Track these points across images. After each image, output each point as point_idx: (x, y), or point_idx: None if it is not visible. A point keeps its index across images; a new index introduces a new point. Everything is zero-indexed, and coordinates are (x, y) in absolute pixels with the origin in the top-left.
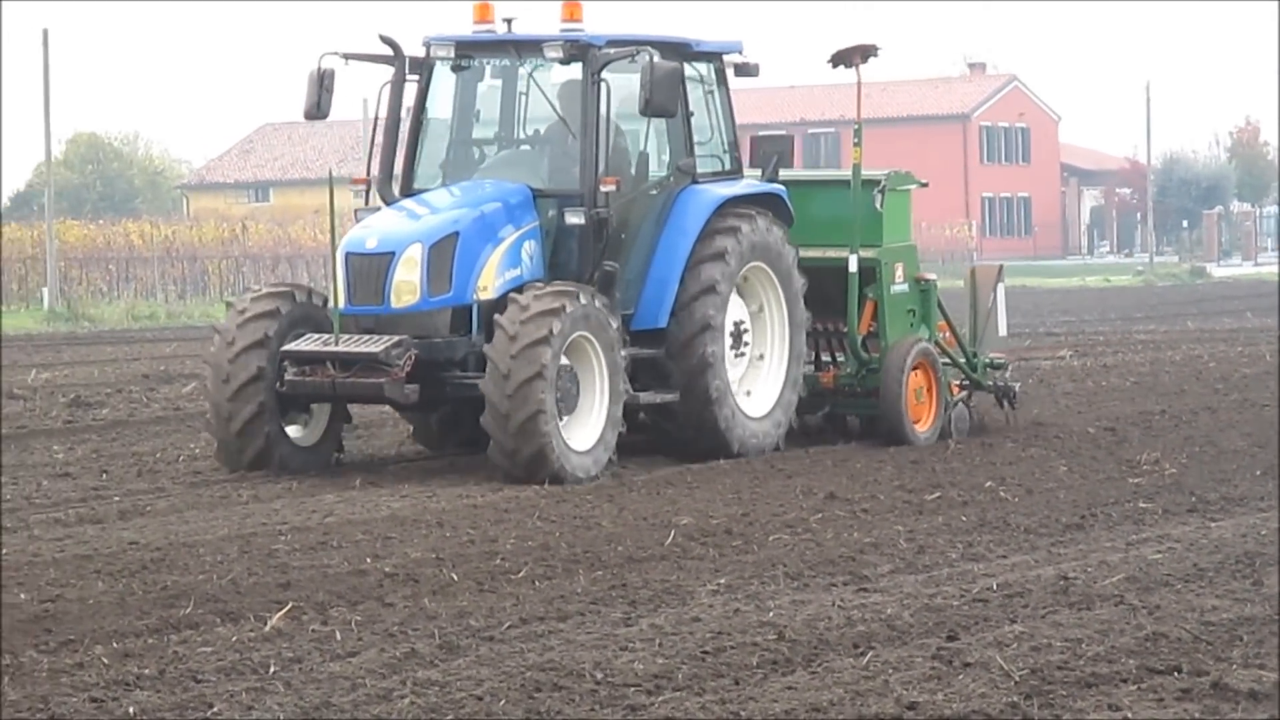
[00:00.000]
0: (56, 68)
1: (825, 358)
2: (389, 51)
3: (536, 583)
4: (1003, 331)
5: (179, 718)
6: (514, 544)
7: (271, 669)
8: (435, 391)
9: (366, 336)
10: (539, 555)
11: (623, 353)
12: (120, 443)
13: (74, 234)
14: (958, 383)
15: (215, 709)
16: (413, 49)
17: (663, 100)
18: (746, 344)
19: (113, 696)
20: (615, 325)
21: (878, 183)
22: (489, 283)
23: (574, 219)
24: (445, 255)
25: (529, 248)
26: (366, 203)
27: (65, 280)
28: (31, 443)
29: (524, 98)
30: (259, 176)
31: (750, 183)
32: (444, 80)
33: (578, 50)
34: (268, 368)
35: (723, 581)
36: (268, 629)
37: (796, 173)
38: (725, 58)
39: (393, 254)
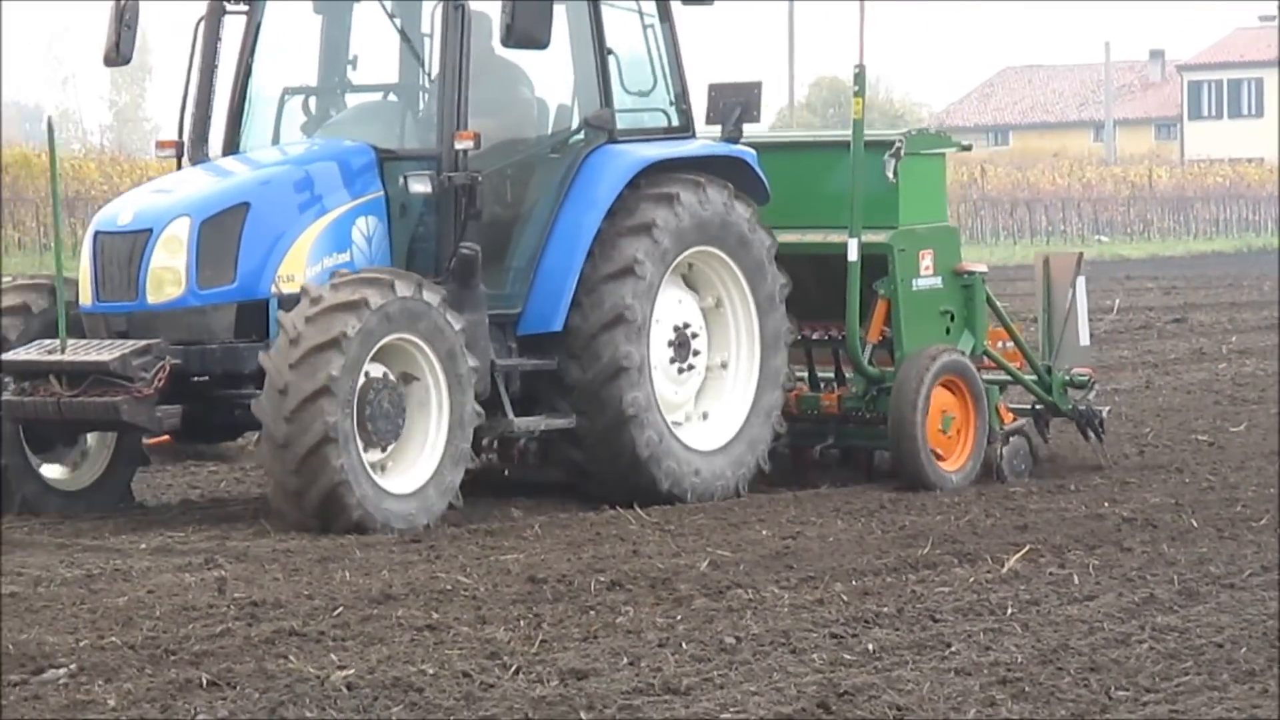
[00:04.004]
0: (801, 12)
1: (832, 374)
2: None
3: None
4: (1084, 340)
5: (916, 655)
6: (1255, 491)
7: (1009, 610)
8: (220, 416)
9: (108, 343)
10: None
11: (490, 363)
12: None
13: None
14: (1009, 408)
15: (953, 648)
16: None
17: (527, 26)
18: (697, 353)
19: (852, 633)
20: (458, 326)
21: (890, 145)
22: (296, 270)
23: (419, 186)
24: (227, 233)
25: (365, 225)
26: (179, 168)
27: None
28: None
29: (384, 34)
30: (999, 120)
31: (704, 144)
32: (278, 14)
33: None
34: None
35: None
36: (1005, 570)
37: (778, 133)
38: None
39: (150, 231)
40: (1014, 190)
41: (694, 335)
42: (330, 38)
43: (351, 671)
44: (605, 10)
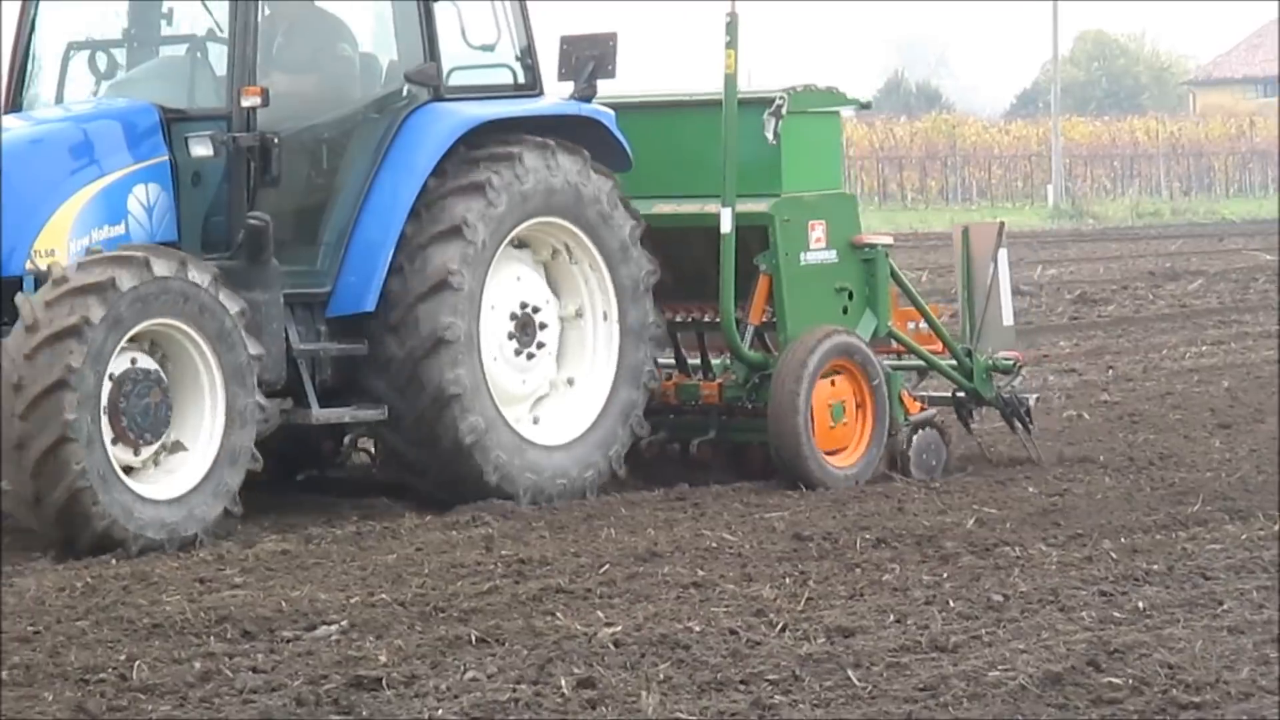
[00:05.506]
0: None
1: (714, 361)
2: None
3: None
4: (1007, 319)
5: (1187, 614)
6: None
7: None
8: None
9: None
10: None
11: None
12: (1126, 339)
13: (1079, 131)
14: (915, 396)
15: (1225, 606)
16: None
17: None
18: (542, 344)
19: (1121, 591)
20: (237, 309)
21: (770, 102)
22: (58, 244)
23: (200, 149)
24: None
25: (144, 193)
26: None
27: (1070, 177)
28: (1038, 338)
29: None
30: (1267, 71)
31: (552, 102)
32: None
33: None
34: None
35: None
36: (1277, 529)
37: (641, 93)
38: None
39: None
40: None
41: (541, 323)
42: None
43: (619, 629)
44: None
